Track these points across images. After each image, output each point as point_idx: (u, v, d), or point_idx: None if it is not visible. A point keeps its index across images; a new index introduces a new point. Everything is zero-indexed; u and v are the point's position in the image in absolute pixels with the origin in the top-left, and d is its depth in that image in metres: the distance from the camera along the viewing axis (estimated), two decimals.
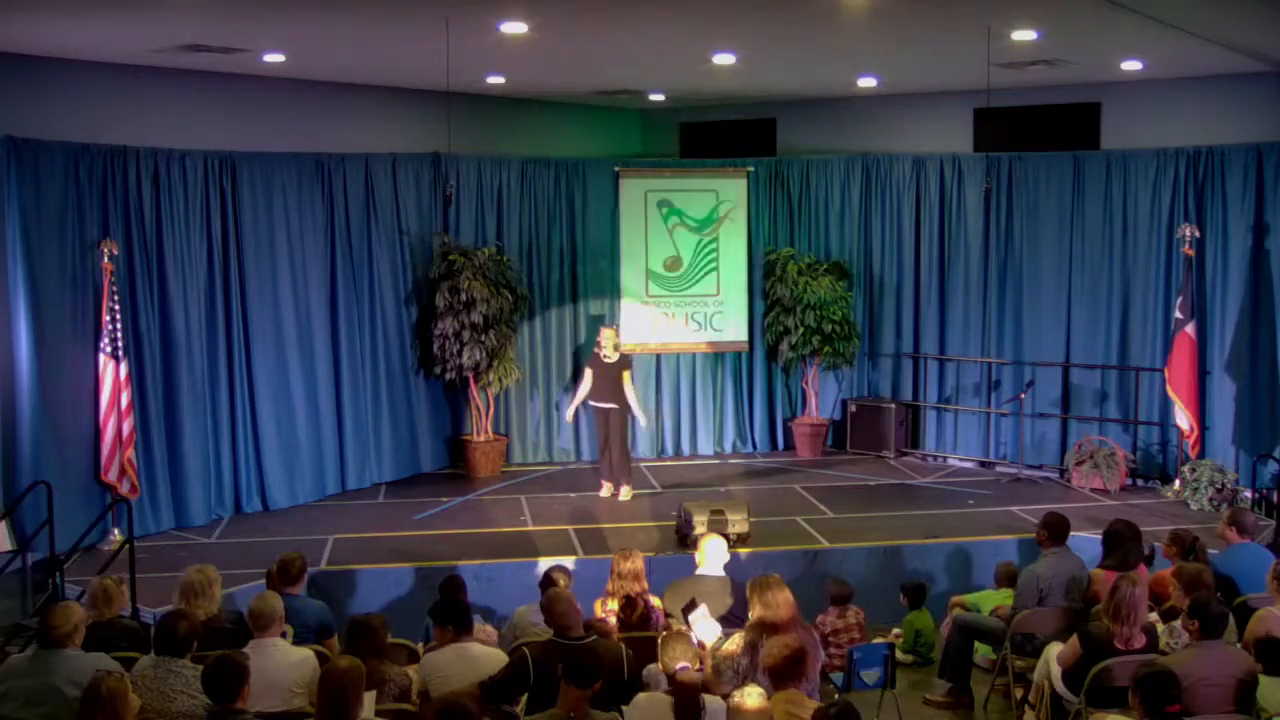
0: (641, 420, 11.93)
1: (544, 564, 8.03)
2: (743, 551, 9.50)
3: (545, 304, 13.10)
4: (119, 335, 9.63)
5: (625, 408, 11.33)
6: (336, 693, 4.80)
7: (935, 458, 13.20)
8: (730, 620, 6.77)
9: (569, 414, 12.15)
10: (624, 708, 5.35)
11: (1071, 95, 12.44)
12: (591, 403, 11.49)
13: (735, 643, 5.87)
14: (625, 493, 11.45)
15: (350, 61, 10.73)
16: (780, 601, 5.90)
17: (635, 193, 13.32)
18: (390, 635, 7.02)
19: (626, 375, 11.31)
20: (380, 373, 12.05)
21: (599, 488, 11.63)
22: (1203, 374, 11.46)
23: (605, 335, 11.46)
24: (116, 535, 9.61)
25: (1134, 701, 5.18)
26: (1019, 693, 7.52)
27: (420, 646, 7.42)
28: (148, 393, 10.16)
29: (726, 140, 14.57)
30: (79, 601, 6.24)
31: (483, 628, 7.10)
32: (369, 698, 5.27)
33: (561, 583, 6.94)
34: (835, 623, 8.37)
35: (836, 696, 7.18)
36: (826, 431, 13.54)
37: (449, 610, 6.17)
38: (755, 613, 5.94)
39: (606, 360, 11.33)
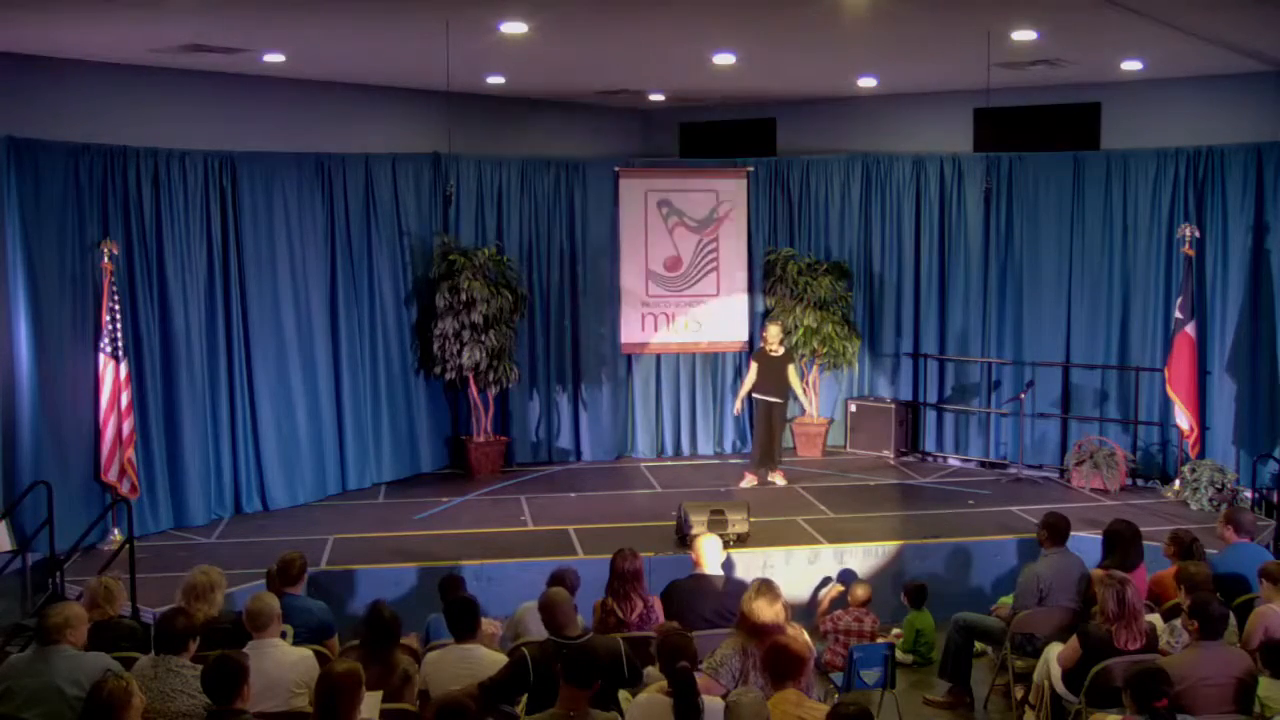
0: (805, 405, 12.47)
1: (544, 564, 8.03)
2: (744, 551, 9.51)
3: (545, 304, 13.10)
4: (119, 335, 9.63)
5: (788, 400, 11.86)
6: (332, 697, 4.79)
7: (935, 458, 13.20)
8: (726, 618, 6.76)
9: (736, 407, 12.79)
10: (623, 705, 5.37)
11: (1071, 95, 12.44)
12: (756, 395, 11.90)
13: (727, 646, 5.86)
14: (779, 478, 11.88)
15: (350, 61, 10.73)
16: (766, 606, 5.88)
17: (635, 193, 13.32)
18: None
19: (791, 368, 11.82)
20: (380, 373, 12.04)
21: (741, 479, 11.97)
22: (1203, 374, 11.45)
23: (771, 331, 11.92)
24: (116, 535, 9.61)
25: (1126, 700, 5.21)
26: (1019, 693, 7.53)
27: (415, 640, 7.44)
28: (148, 393, 10.15)
29: (726, 140, 14.57)
30: (78, 601, 6.24)
31: (491, 623, 7.11)
32: (372, 698, 5.27)
33: (567, 584, 6.92)
34: (851, 624, 8.40)
35: (836, 696, 7.20)
36: (826, 431, 13.54)
37: (454, 612, 6.15)
38: (742, 614, 5.93)
39: (773, 355, 11.78)
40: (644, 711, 5.20)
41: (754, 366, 11.99)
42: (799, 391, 12.23)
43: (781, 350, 11.85)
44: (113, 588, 6.49)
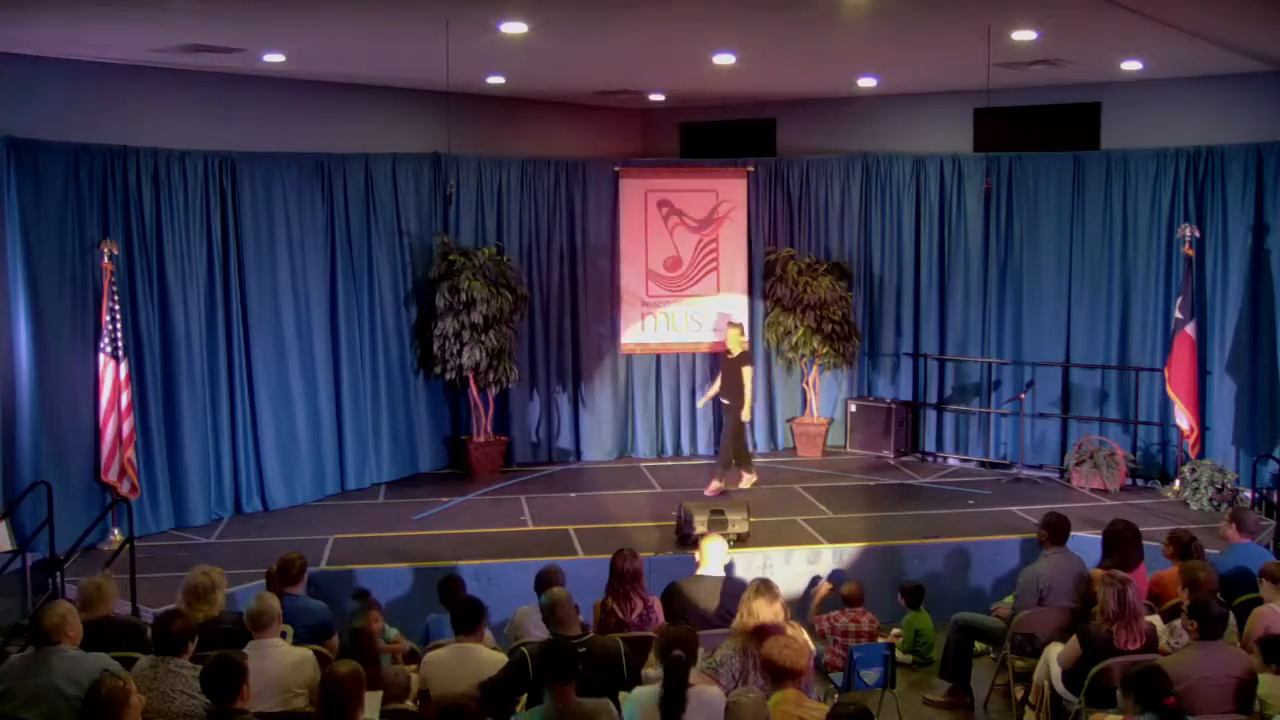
0: (744, 416, 11.95)
1: (543, 564, 8.00)
2: (744, 551, 9.51)
3: (545, 304, 13.10)
4: (119, 335, 9.63)
5: (740, 404, 11.65)
6: (335, 697, 4.80)
7: (935, 458, 13.20)
8: (726, 618, 6.77)
9: (700, 402, 13.01)
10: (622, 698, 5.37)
11: (1071, 95, 12.44)
12: (720, 398, 11.99)
13: (727, 646, 5.86)
14: (747, 481, 11.73)
15: (350, 61, 10.72)
16: (764, 606, 5.87)
17: (635, 193, 13.32)
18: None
19: (745, 371, 11.64)
20: (380, 373, 12.04)
21: (739, 479, 11.70)
22: (1203, 374, 11.45)
23: (730, 334, 11.90)
24: (116, 535, 9.61)
25: (1126, 702, 5.17)
26: (1019, 693, 7.53)
27: (409, 640, 7.44)
28: (148, 393, 10.15)
29: (726, 140, 14.57)
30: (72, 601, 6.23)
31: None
32: (373, 699, 5.27)
33: (557, 583, 6.92)
34: (848, 625, 8.40)
35: (836, 696, 7.20)
36: (826, 431, 13.54)
37: (462, 610, 6.15)
38: (741, 615, 5.93)
39: (728, 356, 11.79)
40: (639, 702, 5.22)
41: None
42: (747, 395, 11.58)
43: (737, 352, 11.68)
44: (104, 585, 6.45)
